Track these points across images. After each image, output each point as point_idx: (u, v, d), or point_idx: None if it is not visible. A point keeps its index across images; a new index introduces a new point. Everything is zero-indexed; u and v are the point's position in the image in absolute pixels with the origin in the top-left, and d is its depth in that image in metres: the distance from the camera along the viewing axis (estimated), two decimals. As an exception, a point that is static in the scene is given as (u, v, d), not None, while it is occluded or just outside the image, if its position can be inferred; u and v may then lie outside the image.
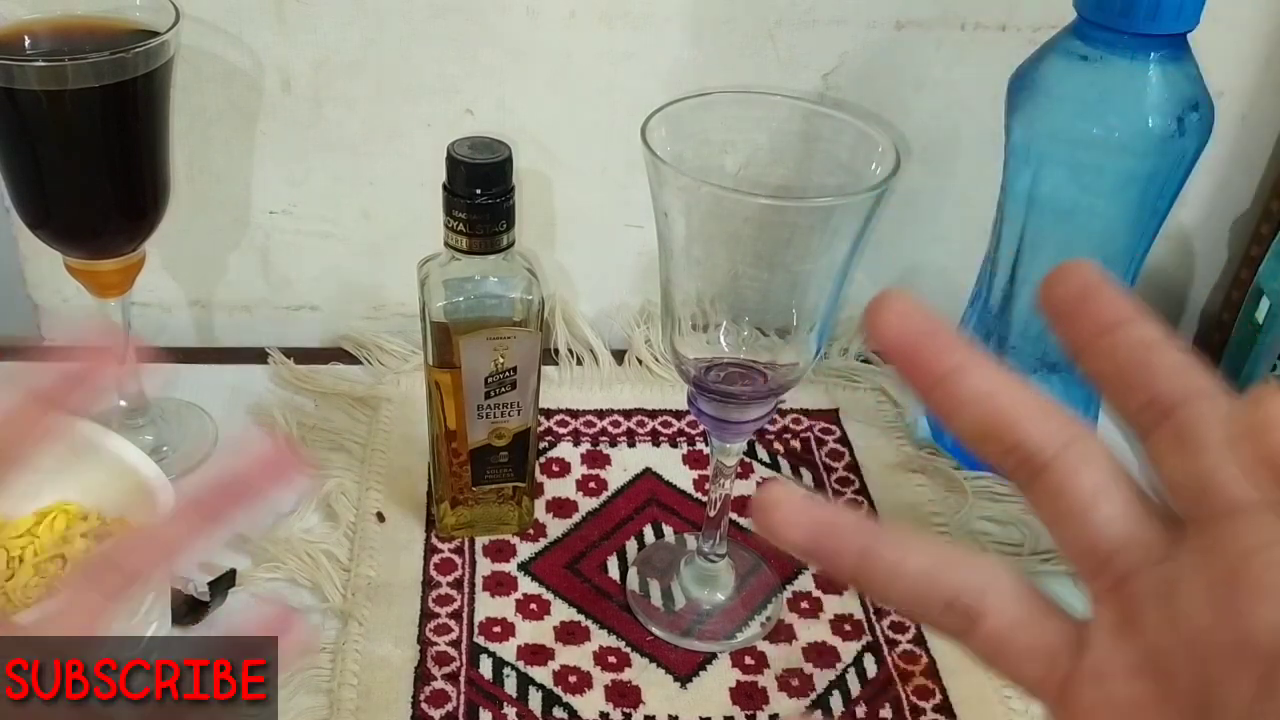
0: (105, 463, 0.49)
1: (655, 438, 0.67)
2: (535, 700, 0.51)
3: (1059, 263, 0.25)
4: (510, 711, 0.51)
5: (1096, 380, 0.25)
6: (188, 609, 0.52)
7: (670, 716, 0.51)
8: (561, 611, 0.56)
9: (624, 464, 0.65)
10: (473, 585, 0.56)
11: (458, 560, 0.58)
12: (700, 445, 0.66)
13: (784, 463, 0.65)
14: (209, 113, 0.66)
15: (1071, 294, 0.25)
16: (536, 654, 0.53)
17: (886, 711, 0.52)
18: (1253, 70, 0.70)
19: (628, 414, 0.68)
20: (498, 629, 0.54)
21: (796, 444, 0.67)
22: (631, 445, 0.66)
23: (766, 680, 0.53)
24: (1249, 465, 0.23)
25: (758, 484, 0.64)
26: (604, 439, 0.66)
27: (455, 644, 0.53)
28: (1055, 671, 0.24)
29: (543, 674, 0.52)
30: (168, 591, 0.47)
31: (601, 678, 0.52)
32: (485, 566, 0.57)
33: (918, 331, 0.25)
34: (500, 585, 0.57)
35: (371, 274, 0.72)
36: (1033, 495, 0.25)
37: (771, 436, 0.67)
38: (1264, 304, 0.56)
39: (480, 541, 0.59)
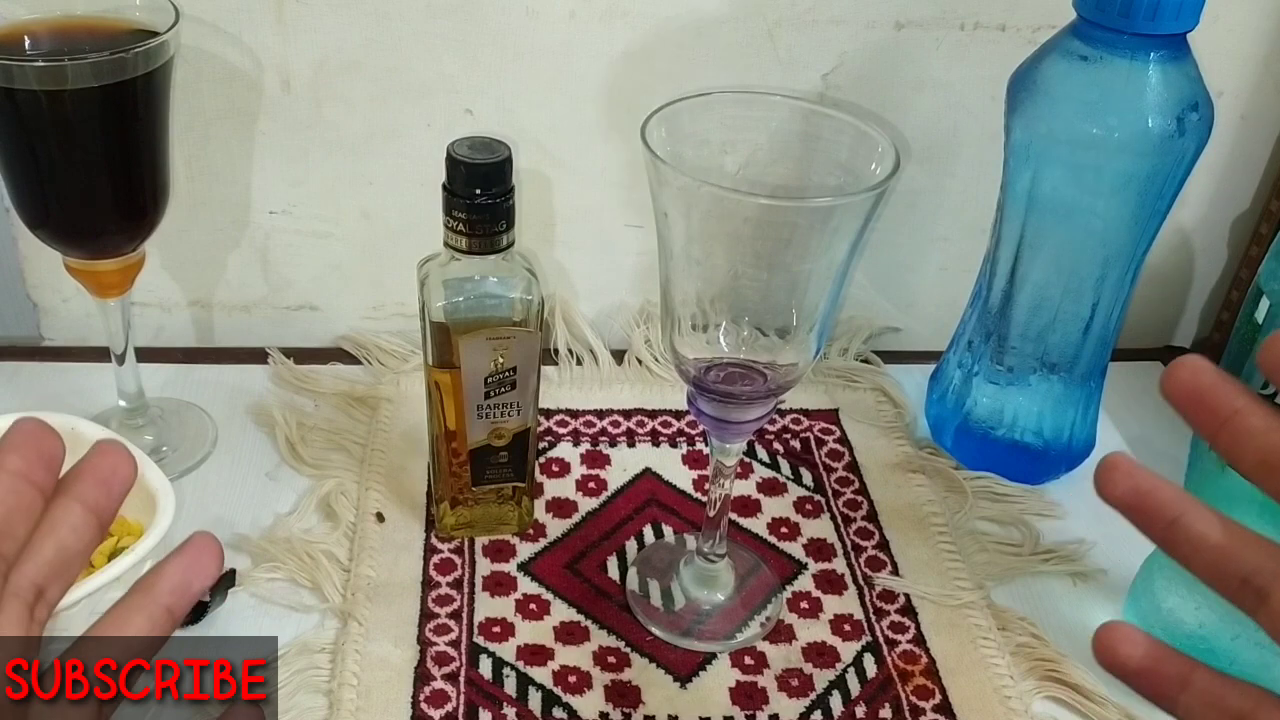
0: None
1: (655, 438, 0.67)
2: (535, 700, 0.51)
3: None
4: (510, 712, 0.51)
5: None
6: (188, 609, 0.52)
7: (670, 716, 0.51)
8: (561, 611, 0.56)
9: (624, 464, 0.65)
10: (472, 585, 0.56)
11: (457, 560, 0.58)
12: (700, 445, 0.66)
13: (784, 463, 0.65)
14: (209, 113, 0.66)
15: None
16: (536, 654, 0.53)
17: (886, 711, 0.52)
18: (1253, 70, 0.70)
19: (627, 414, 0.68)
20: (497, 629, 0.54)
21: (796, 444, 0.67)
22: (631, 445, 0.66)
23: (766, 680, 0.53)
24: None
25: (758, 484, 0.64)
26: (604, 439, 0.66)
27: (455, 644, 0.53)
28: None
29: (542, 674, 0.52)
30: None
31: (601, 678, 0.52)
32: (485, 566, 0.57)
33: (1204, 385, 0.29)
34: (500, 585, 0.57)
35: (371, 274, 0.72)
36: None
37: (771, 436, 0.67)
38: (1264, 304, 0.56)
39: (480, 541, 0.59)
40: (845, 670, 0.54)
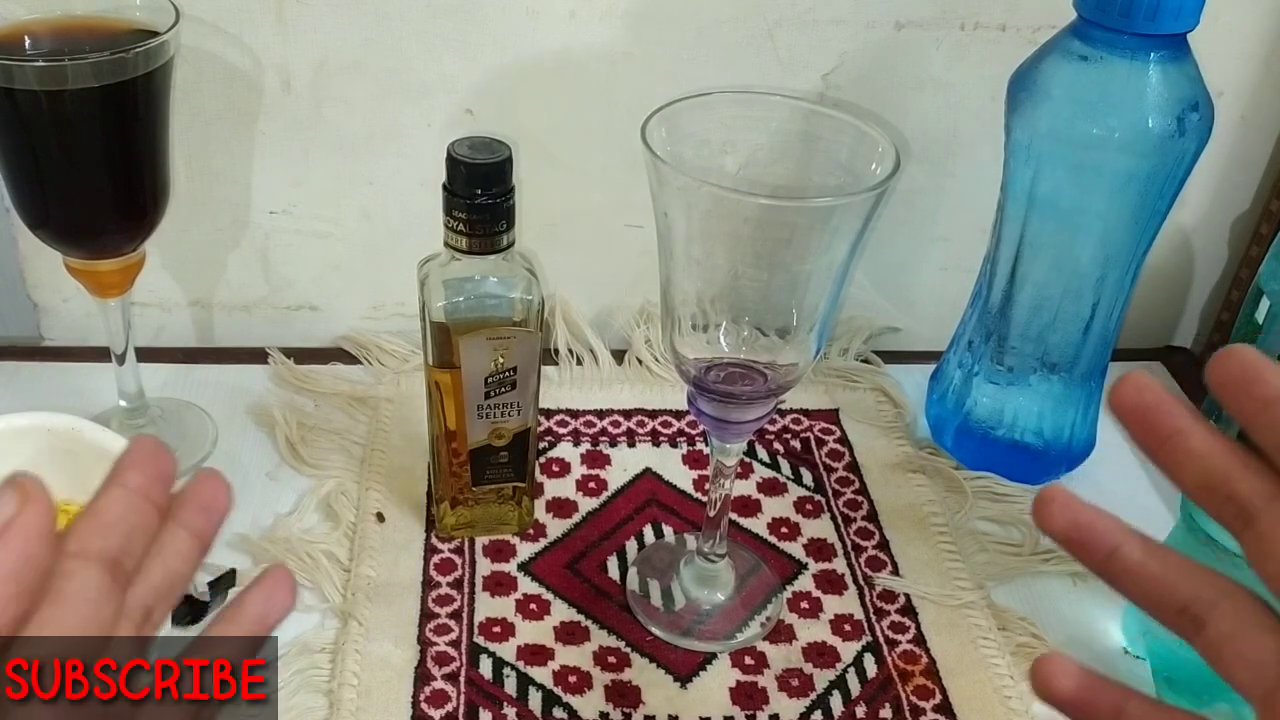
0: (105, 463, 0.48)
1: (655, 438, 0.67)
2: (535, 700, 0.51)
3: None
4: (510, 712, 0.51)
5: (1266, 450, 0.28)
6: (188, 609, 0.52)
7: (670, 716, 0.51)
8: (561, 612, 0.56)
9: (624, 464, 0.65)
10: (473, 585, 0.56)
11: (457, 560, 0.58)
12: (700, 445, 0.66)
13: (784, 463, 0.65)
14: (209, 113, 0.66)
15: (1231, 376, 0.28)
16: (536, 654, 0.53)
17: (886, 711, 0.52)
18: (1253, 70, 0.70)
19: (628, 414, 0.68)
20: (498, 629, 0.54)
21: (796, 444, 0.67)
22: (631, 445, 0.66)
23: (766, 680, 0.53)
24: None
25: (758, 484, 0.64)
26: (604, 439, 0.66)
27: (455, 644, 0.53)
28: (1262, 682, 0.27)
29: (543, 674, 0.52)
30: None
31: (601, 678, 0.52)
32: (485, 566, 0.57)
33: (1149, 402, 0.29)
34: (500, 585, 0.57)
35: (371, 274, 0.72)
36: (1245, 540, 0.28)
37: (771, 436, 0.67)
38: (1264, 304, 0.56)
39: (480, 541, 0.59)
40: (845, 670, 0.54)
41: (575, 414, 0.68)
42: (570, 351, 0.72)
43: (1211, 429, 0.29)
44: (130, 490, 0.28)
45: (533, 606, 0.56)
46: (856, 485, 0.64)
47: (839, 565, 0.59)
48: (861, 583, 0.58)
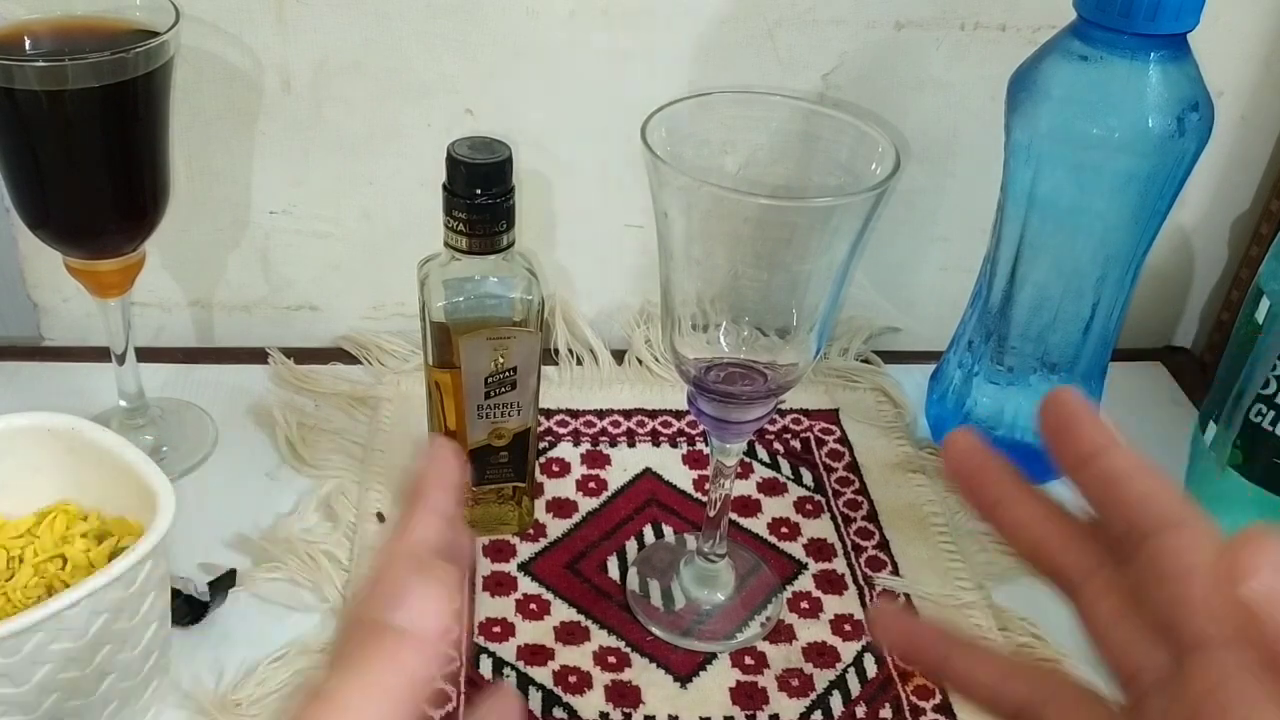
0: (105, 463, 0.48)
1: (655, 438, 0.67)
2: (535, 700, 0.51)
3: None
4: (510, 711, 0.51)
5: (1089, 505, 0.28)
6: (188, 609, 0.52)
7: (670, 716, 0.51)
8: (561, 611, 0.56)
9: (624, 464, 0.65)
10: (473, 585, 0.56)
11: (458, 560, 0.58)
12: (700, 445, 0.66)
13: (784, 463, 0.65)
14: (209, 113, 0.66)
15: (1057, 423, 0.28)
16: (536, 654, 0.53)
17: (886, 711, 0.52)
18: (1253, 70, 0.70)
19: (628, 414, 0.68)
20: (498, 629, 0.54)
21: (796, 444, 0.67)
22: (631, 445, 0.66)
23: (766, 680, 0.53)
24: (1215, 604, 0.24)
25: (758, 484, 0.64)
26: (604, 439, 0.66)
27: (455, 644, 0.53)
28: None
29: (543, 674, 0.52)
30: (168, 591, 0.47)
31: (601, 678, 0.52)
32: (485, 566, 0.57)
33: (976, 463, 0.30)
34: (500, 585, 0.57)
35: (371, 274, 0.72)
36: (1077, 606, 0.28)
37: (771, 436, 0.67)
38: (1264, 304, 0.56)
39: (480, 541, 0.59)
40: (845, 670, 0.54)
41: (575, 414, 0.68)
42: (570, 351, 0.72)
43: (1035, 495, 0.29)
44: (441, 516, 0.30)
45: (533, 606, 0.56)
46: (856, 485, 0.64)
47: (839, 565, 0.59)
48: (861, 583, 0.58)
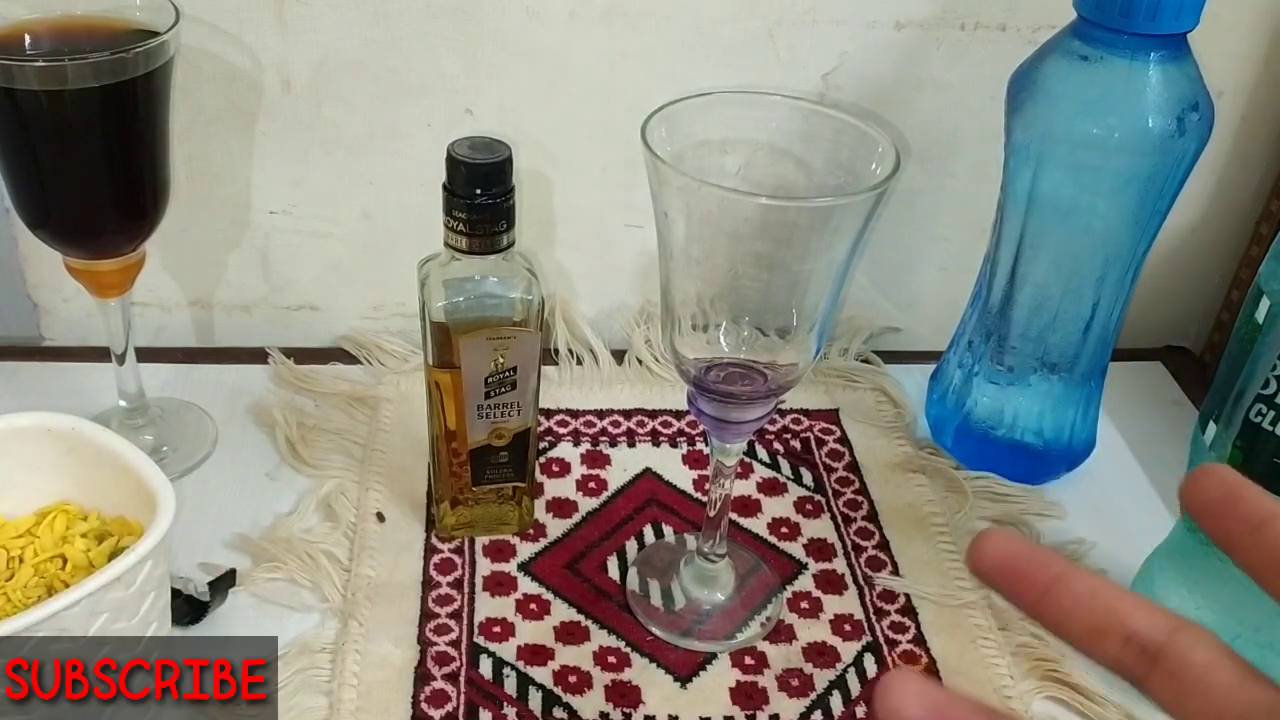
0: (105, 463, 0.48)
1: (655, 438, 0.67)
2: (535, 700, 0.51)
3: None
4: (510, 711, 0.51)
5: (1255, 576, 0.26)
6: (188, 609, 0.52)
7: (670, 716, 0.51)
8: (561, 611, 0.56)
9: (624, 464, 0.65)
10: (473, 585, 0.56)
11: (458, 560, 0.58)
12: (700, 445, 0.66)
13: (784, 463, 0.65)
14: (209, 113, 0.66)
15: (1213, 498, 0.26)
16: (536, 654, 0.53)
17: (886, 711, 0.52)
18: (1253, 70, 0.70)
19: (628, 414, 0.68)
20: (498, 629, 0.54)
21: (796, 444, 0.67)
22: (631, 445, 0.66)
23: (766, 680, 0.53)
24: None
25: (758, 484, 0.64)
26: (604, 439, 0.66)
27: (455, 644, 0.53)
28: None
29: (543, 674, 0.52)
30: (168, 591, 0.47)
31: (601, 678, 0.52)
32: (485, 566, 0.57)
33: (1016, 556, 0.27)
34: (500, 585, 0.57)
35: (371, 274, 0.72)
36: (1152, 683, 0.26)
37: (771, 436, 0.67)
38: (1264, 304, 0.56)
39: (480, 541, 0.59)
40: (845, 670, 0.54)
41: (575, 414, 0.68)
42: (570, 351, 0.72)
43: (1090, 572, 0.27)
44: None
45: (533, 606, 0.56)
46: (856, 485, 0.64)
47: (839, 565, 0.59)
48: (861, 583, 0.58)
